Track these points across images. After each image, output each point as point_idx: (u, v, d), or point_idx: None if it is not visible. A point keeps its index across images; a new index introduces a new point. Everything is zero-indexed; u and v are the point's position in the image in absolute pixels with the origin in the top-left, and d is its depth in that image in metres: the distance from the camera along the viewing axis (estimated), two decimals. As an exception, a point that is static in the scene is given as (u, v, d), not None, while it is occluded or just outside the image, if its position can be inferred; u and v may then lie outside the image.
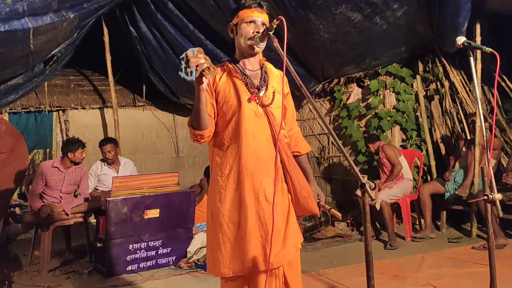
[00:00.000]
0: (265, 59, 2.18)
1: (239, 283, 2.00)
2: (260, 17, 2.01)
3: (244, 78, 2.03)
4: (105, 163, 5.14)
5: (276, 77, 2.14)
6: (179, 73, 1.73)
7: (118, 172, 5.09)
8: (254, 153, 1.99)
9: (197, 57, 1.72)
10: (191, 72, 1.71)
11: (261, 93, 2.04)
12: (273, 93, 2.06)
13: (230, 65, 2.08)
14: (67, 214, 4.49)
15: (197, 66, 1.70)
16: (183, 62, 1.73)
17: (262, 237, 1.95)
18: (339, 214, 2.15)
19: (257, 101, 2.01)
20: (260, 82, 2.06)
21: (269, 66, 2.17)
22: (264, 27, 1.99)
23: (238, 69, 2.05)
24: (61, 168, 4.59)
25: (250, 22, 2.00)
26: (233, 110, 2.00)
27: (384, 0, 4.65)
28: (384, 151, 5.11)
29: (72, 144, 4.63)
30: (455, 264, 3.93)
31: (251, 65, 2.09)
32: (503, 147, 5.25)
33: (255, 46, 1.98)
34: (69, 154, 4.57)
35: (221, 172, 2.03)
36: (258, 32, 1.97)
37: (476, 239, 4.74)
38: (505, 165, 5.02)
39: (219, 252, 1.99)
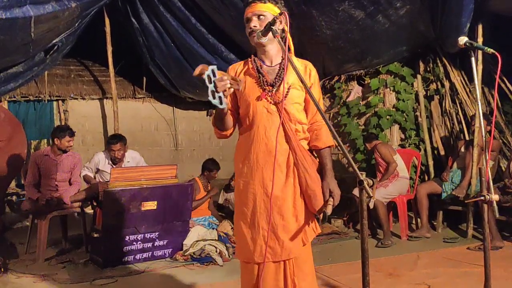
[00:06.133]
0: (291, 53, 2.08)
1: (252, 269, 2.09)
2: (257, 11, 2.01)
3: (258, 75, 2.07)
4: (109, 161, 4.93)
5: (299, 71, 2.03)
6: (210, 99, 1.79)
7: None
8: (265, 148, 2.04)
9: (222, 80, 1.79)
10: (220, 98, 1.80)
11: (274, 90, 2.04)
12: (289, 88, 2.04)
13: (250, 61, 2.13)
14: (65, 204, 4.50)
15: (224, 91, 1.80)
16: (210, 86, 1.78)
17: (270, 230, 2.02)
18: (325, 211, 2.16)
19: (268, 98, 2.04)
20: (275, 78, 2.06)
21: (294, 60, 2.07)
22: (261, 18, 2.00)
23: (256, 65, 2.09)
24: (52, 156, 4.58)
25: (248, 20, 2.05)
26: (247, 106, 2.07)
27: (387, -2, 4.64)
28: (378, 150, 5.10)
29: (60, 131, 4.58)
30: (450, 263, 3.95)
31: (269, 60, 2.11)
32: (501, 149, 5.25)
33: (257, 41, 1.99)
34: (56, 140, 4.53)
35: (236, 165, 2.16)
36: (250, 28, 2.01)
37: (472, 240, 4.75)
38: (503, 168, 5.02)
39: (238, 238, 2.16)
